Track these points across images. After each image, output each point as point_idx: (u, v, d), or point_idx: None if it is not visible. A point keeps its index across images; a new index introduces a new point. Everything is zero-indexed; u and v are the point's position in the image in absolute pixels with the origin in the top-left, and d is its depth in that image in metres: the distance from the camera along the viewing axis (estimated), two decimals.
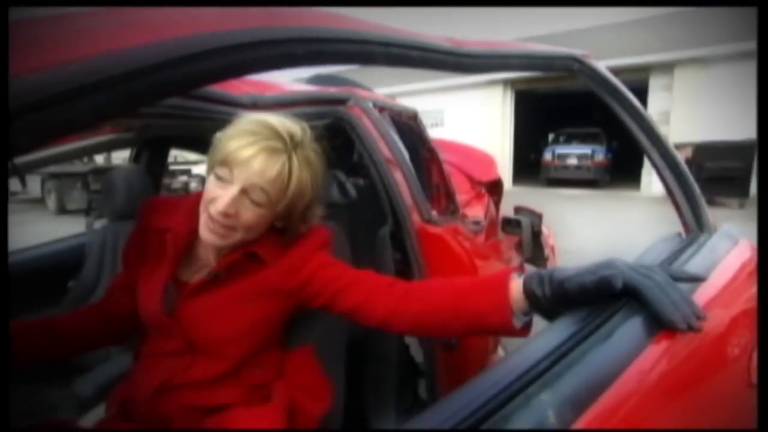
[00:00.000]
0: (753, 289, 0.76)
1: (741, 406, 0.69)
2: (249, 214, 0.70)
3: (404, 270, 1.10)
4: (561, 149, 10.65)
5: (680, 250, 0.82)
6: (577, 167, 10.17)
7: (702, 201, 0.94)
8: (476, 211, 2.12)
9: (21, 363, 0.73)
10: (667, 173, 0.96)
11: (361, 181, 1.32)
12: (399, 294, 0.71)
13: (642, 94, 8.27)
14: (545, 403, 0.44)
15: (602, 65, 0.95)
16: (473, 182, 2.23)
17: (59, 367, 1.36)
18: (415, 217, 1.10)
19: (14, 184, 9.12)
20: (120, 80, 0.37)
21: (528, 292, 0.63)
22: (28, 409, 1.30)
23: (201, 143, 0.86)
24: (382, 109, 1.29)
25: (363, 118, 1.17)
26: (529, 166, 12.08)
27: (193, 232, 0.76)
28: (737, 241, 0.90)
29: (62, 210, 8.27)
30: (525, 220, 2.45)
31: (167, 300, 0.75)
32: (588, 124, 11.59)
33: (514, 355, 0.52)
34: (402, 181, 1.12)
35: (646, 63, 8.90)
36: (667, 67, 8.76)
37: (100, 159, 8.46)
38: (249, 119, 0.72)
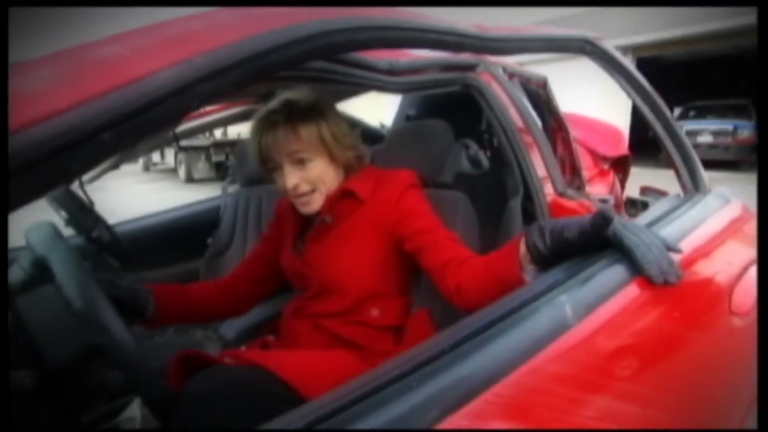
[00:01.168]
0: (735, 239, 0.92)
1: (724, 343, 0.82)
2: (308, 174, 0.84)
3: None
4: (691, 125, 8.98)
5: (676, 207, 0.92)
6: (712, 146, 8.44)
7: (698, 164, 1.06)
8: (598, 190, 1.94)
9: (156, 322, 0.86)
10: (668, 142, 1.07)
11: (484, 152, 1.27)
12: (466, 270, 0.76)
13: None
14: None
15: (611, 45, 1.02)
16: (596, 158, 2.03)
17: None
18: (549, 190, 1.03)
19: (155, 155, 10.67)
20: (291, 44, 0.48)
21: (530, 245, 0.67)
22: (178, 346, 1.51)
23: None
24: (511, 75, 1.22)
25: (493, 84, 1.11)
26: (647, 144, 10.59)
27: None
28: (729, 200, 1.02)
29: (190, 179, 9.36)
30: (654, 203, 2.18)
31: (297, 251, 0.93)
32: (733, 94, 9.66)
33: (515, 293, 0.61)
34: (535, 152, 1.05)
35: None
36: None
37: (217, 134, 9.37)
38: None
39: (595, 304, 0.60)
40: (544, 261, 0.67)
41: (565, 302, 0.58)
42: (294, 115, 0.83)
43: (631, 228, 0.65)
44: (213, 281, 1.01)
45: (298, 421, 0.42)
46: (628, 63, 1.05)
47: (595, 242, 0.65)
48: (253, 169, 1.66)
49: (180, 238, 1.77)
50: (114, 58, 0.42)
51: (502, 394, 0.48)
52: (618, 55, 1.03)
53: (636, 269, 0.64)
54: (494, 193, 1.10)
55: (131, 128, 0.38)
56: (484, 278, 0.73)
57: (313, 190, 0.85)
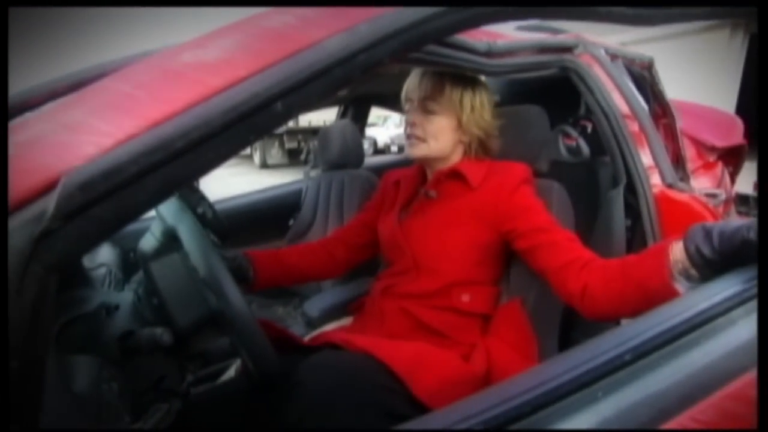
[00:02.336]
0: None
1: None
2: (428, 124, 0.88)
3: (632, 240, 0.97)
4: None
5: None
6: None
7: None
8: (702, 184, 1.74)
9: (256, 286, 0.92)
10: None
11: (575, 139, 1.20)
12: (592, 273, 0.70)
13: None
14: None
15: None
16: (701, 148, 1.82)
17: (287, 291, 1.66)
18: (655, 180, 0.95)
19: None
20: (411, 27, 0.47)
21: (691, 250, 0.56)
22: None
23: (398, 100, 0.97)
24: (614, 56, 1.13)
25: (594, 66, 1.03)
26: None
27: (420, 175, 0.98)
28: None
29: (264, 165, 9.89)
30: None
31: (399, 220, 0.94)
32: None
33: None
34: (641, 139, 0.97)
35: None
36: None
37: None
38: None
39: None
40: (710, 268, 0.56)
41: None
42: (448, 73, 0.88)
43: None
44: (308, 244, 1.07)
45: (464, 421, 0.39)
46: None
47: None
48: (335, 154, 1.72)
49: (263, 219, 1.88)
50: (284, 28, 0.43)
51: (701, 420, 0.42)
52: None
53: None
54: (589, 183, 1.04)
55: (299, 98, 0.39)
56: (620, 284, 0.66)
57: (424, 139, 0.88)
